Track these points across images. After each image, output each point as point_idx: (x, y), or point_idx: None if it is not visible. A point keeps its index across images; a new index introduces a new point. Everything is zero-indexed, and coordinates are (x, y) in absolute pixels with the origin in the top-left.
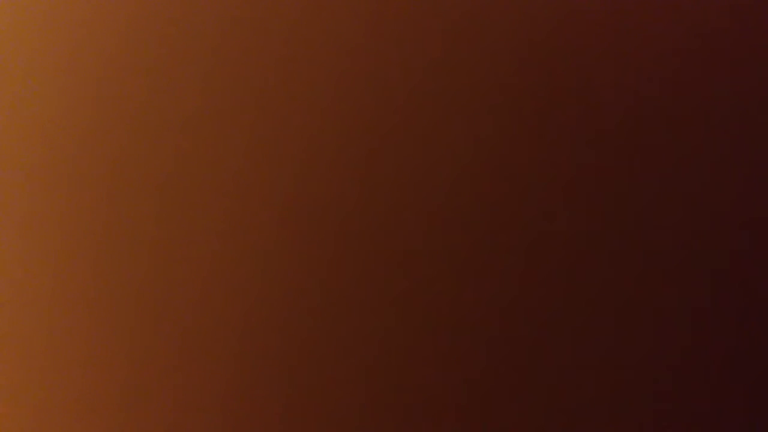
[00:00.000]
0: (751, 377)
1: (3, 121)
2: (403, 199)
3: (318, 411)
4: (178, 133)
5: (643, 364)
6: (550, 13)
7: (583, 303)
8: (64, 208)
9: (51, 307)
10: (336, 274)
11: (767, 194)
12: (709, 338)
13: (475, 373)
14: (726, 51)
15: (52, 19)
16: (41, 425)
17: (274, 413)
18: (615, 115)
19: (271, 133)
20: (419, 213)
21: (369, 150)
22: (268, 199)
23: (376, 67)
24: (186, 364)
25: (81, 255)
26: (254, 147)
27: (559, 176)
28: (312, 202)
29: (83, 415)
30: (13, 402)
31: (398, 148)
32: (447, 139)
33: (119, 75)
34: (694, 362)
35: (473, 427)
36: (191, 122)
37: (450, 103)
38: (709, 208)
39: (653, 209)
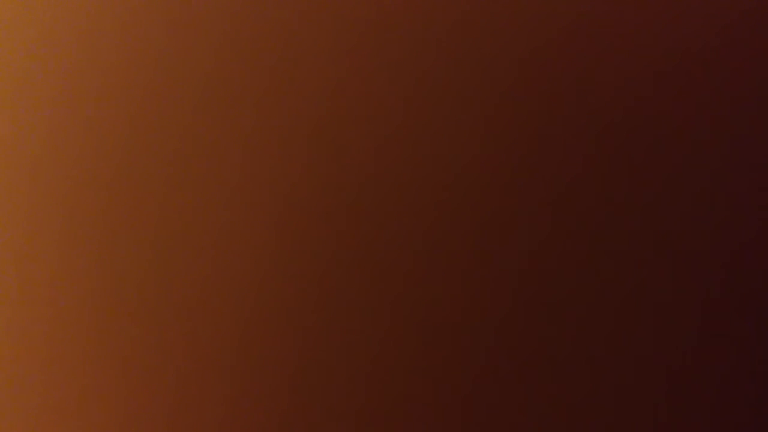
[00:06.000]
0: (751, 377)
1: (3, 122)
2: (402, 200)
3: (318, 412)
4: (179, 133)
5: (643, 365)
6: (552, 13)
7: (583, 304)
8: (65, 209)
9: (51, 308)
10: (336, 276)
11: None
12: (709, 338)
13: (475, 375)
14: (726, 51)
15: (53, 18)
16: (41, 425)
17: (274, 414)
18: (616, 115)
19: (271, 134)
20: (419, 213)
21: (369, 151)
22: (268, 200)
23: (376, 69)
24: (186, 365)
25: (81, 255)
26: (254, 148)
27: (559, 177)
28: (313, 202)
29: (83, 415)
30: (14, 402)
31: (398, 150)
32: (447, 140)
33: (119, 75)
34: (694, 362)
35: (473, 427)
36: (191, 123)
37: (450, 104)
38: (709, 208)
39: (653, 210)
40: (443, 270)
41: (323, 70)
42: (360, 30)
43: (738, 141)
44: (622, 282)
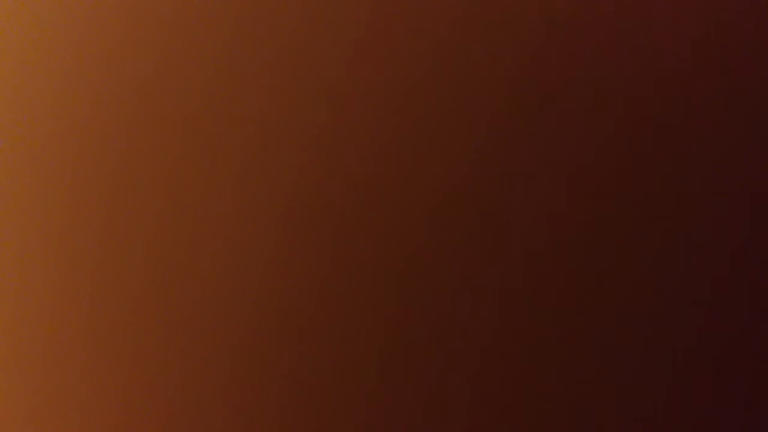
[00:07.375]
0: (751, 377)
1: (3, 122)
2: (402, 199)
3: (318, 412)
4: (179, 132)
5: (643, 365)
6: (551, 12)
7: (583, 304)
8: (65, 208)
9: (51, 308)
10: (336, 277)
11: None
12: (708, 339)
13: (474, 375)
14: (726, 50)
15: (53, 17)
16: (41, 425)
17: (274, 414)
18: (616, 115)
19: (271, 134)
20: (419, 214)
21: (369, 150)
22: (268, 200)
23: (375, 68)
24: (186, 365)
25: (81, 254)
26: (254, 147)
27: (558, 177)
28: (313, 203)
29: (83, 416)
30: (14, 402)
31: (398, 149)
32: (447, 140)
33: (119, 75)
34: (694, 362)
35: (473, 427)
36: (191, 122)
37: (449, 103)
38: (709, 207)
39: (653, 210)
40: (443, 270)
41: (323, 69)
42: (360, 30)
43: (738, 141)
44: (621, 282)
